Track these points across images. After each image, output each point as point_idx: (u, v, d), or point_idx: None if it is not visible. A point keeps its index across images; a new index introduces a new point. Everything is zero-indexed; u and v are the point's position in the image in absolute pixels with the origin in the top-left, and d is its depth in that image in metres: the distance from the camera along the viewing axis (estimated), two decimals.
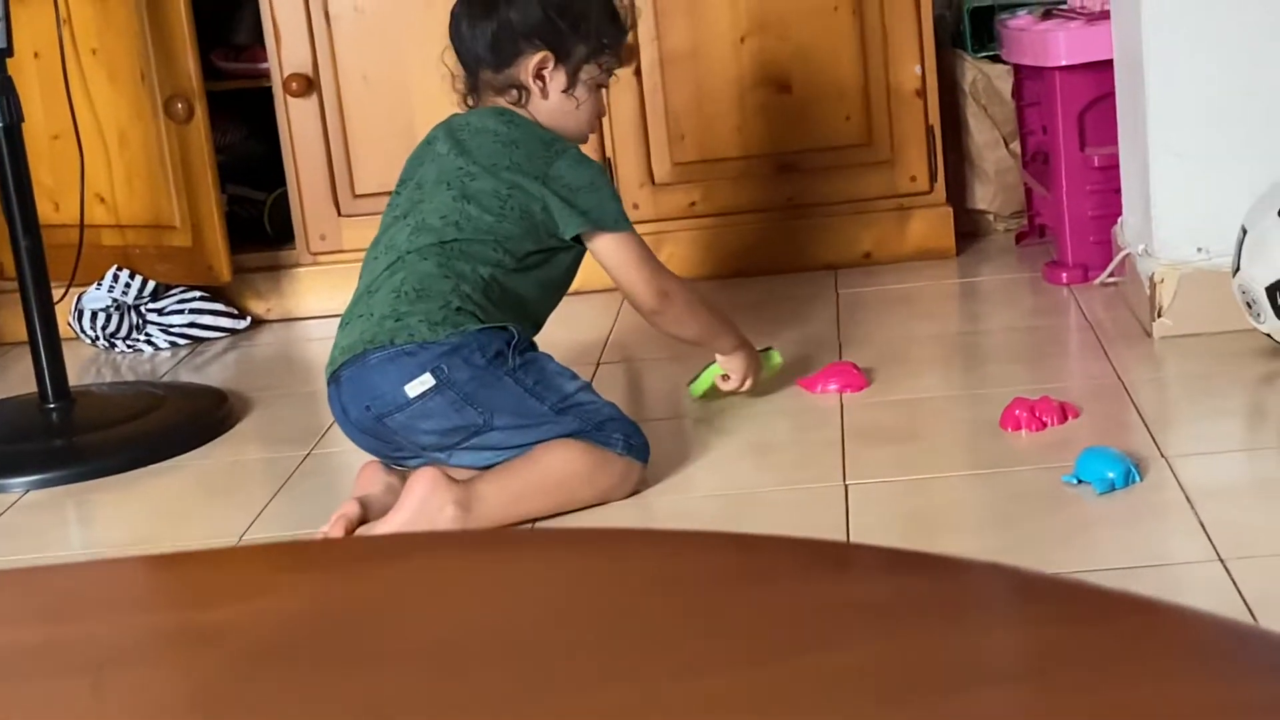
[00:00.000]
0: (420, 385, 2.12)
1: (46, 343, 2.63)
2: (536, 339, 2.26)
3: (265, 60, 3.22)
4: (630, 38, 2.40)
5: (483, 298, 2.18)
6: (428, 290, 2.16)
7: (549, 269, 2.28)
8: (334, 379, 2.20)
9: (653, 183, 3.25)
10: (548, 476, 2.13)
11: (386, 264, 2.22)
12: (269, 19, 3.18)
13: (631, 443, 2.17)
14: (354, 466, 2.24)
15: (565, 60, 2.28)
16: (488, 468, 2.16)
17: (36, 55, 3.10)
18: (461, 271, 2.18)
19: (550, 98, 2.29)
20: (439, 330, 2.13)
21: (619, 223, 2.27)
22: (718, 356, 2.45)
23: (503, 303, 2.20)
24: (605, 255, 2.28)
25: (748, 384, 2.44)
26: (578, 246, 2.29)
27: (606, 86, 2.36)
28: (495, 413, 2.14)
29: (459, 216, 2.21)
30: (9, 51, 2.55)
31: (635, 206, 3.24)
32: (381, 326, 2.15)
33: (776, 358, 2.51)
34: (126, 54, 3.07)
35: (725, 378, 2.46)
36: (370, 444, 2.22)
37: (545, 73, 2.28)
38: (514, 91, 2.29)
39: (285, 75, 3.19)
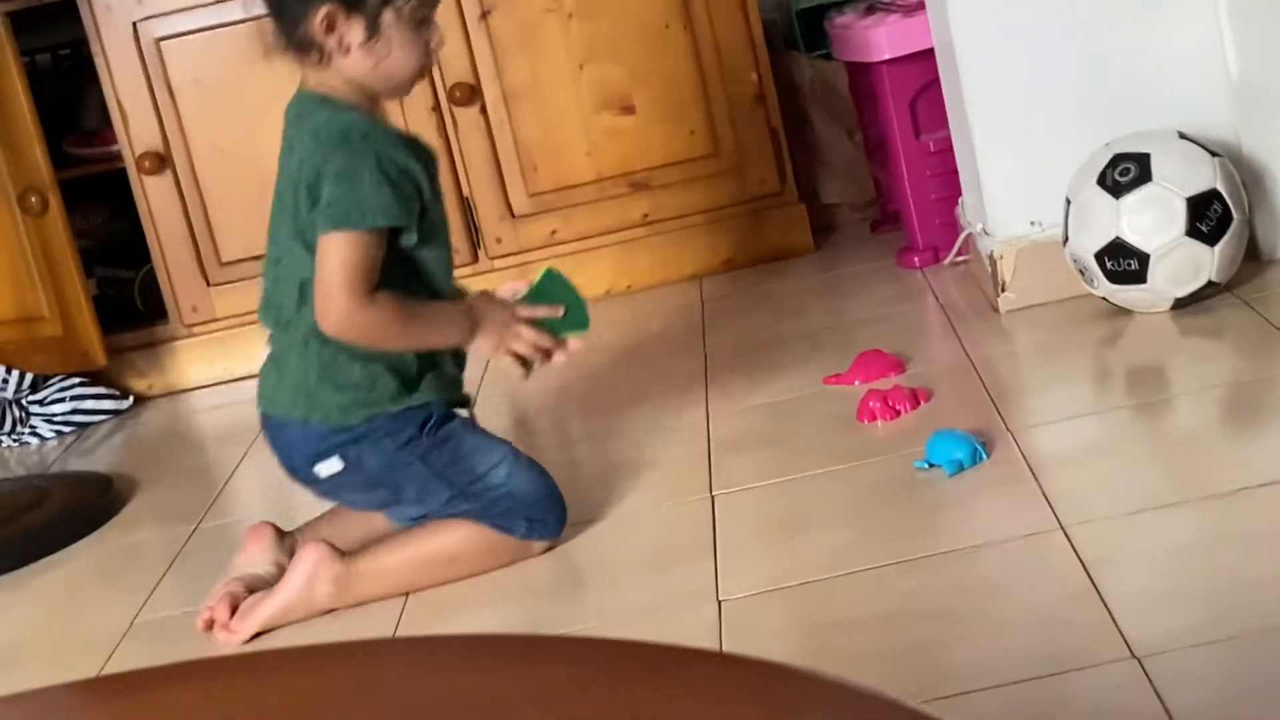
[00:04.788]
0: (329, 468, 2.16)
1: None
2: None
3: (117, 142, 3.26)
4: None
5: (387, 371, 2.11)
6: (333, 377, 2.11)
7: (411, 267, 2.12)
8: (263, 419, 2.20)
9: (512, 216, 3.31)
10: (438, 555, 2.16)
11: (275, 318, 2.15)
12: (114, 101, 3.22)
13: (534, 526, 2.16)
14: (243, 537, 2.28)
15: (356, 7, 2.06)
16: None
17: None
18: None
19: (352, 53, 2.07)
20: (351, 414, 2.12)
21: (367, 217, 2.03)
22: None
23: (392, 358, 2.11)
24: (321, 253, 2.05)
25: (536, 349, 2.18)
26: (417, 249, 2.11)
27: (429, 26, 2.11)
28: (402, 491, 2.18)
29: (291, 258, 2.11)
30: None
31: (499, 241, 3.31)
32: (295, 403, 2.14)
33: (553, 281, 2.21)
34: None
35: (521, 363, 2.18)
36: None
37: (337, 25, 2.07)
38: (314, 53, 2.08)
39: (137, 155, 3.23)
